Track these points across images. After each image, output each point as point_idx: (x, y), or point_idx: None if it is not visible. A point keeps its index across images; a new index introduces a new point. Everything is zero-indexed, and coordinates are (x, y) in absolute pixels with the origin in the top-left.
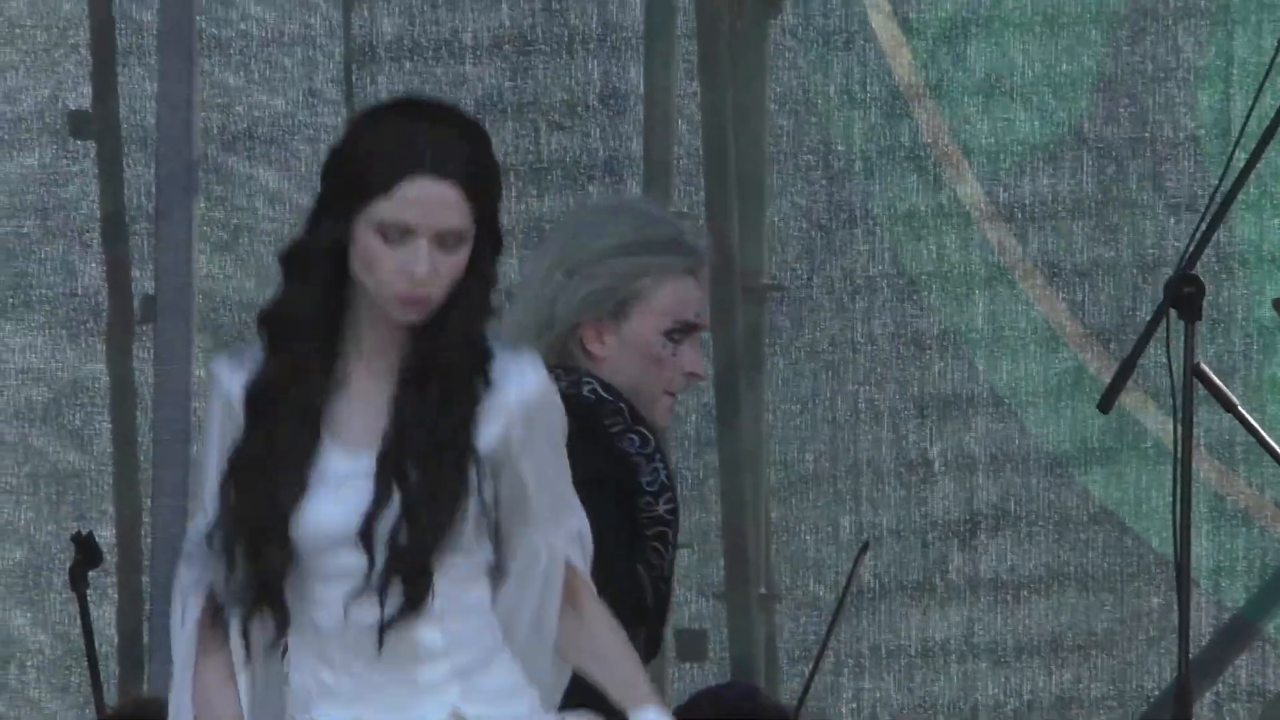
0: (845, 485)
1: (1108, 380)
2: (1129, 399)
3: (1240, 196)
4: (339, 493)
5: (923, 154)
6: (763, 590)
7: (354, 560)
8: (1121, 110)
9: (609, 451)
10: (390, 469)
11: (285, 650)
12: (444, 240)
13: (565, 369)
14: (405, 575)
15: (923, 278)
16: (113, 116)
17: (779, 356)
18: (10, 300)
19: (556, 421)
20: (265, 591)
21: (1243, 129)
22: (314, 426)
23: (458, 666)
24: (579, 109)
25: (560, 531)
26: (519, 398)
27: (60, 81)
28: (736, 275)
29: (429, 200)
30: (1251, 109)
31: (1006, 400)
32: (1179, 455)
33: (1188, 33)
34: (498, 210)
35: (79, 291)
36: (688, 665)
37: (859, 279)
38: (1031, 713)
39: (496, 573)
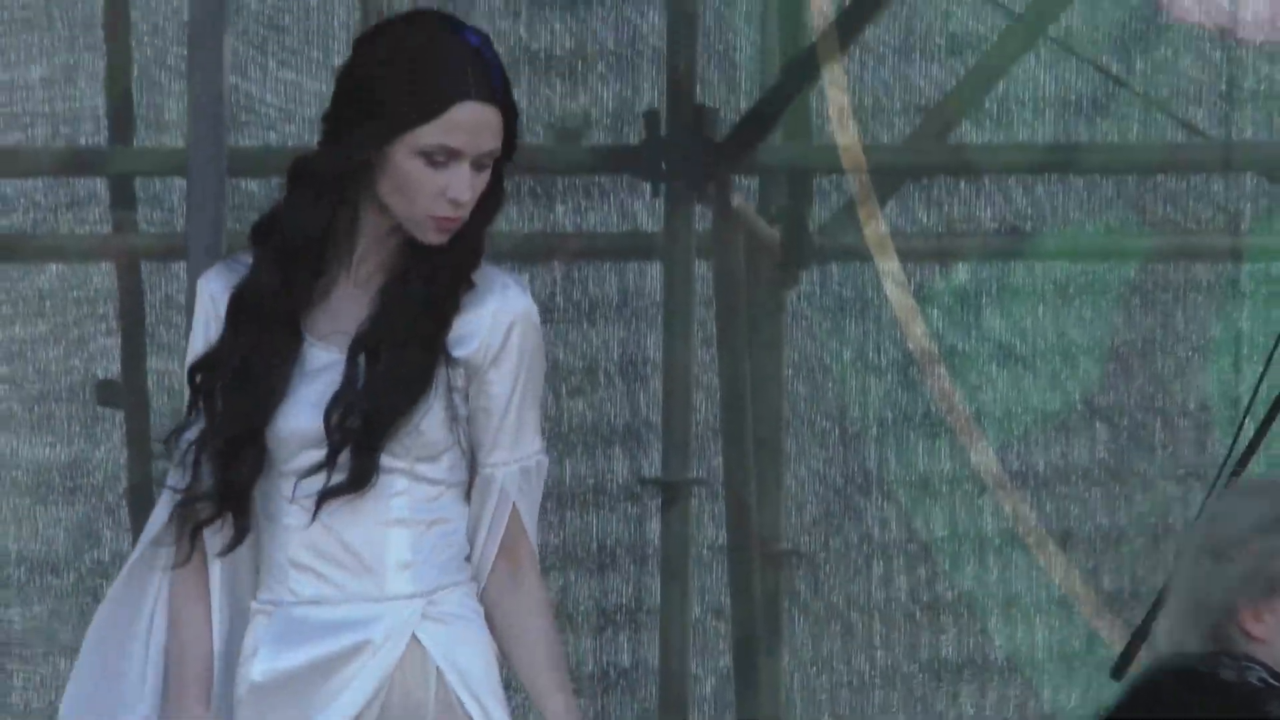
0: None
1: (1120, 647)
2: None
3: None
4: (314, 387)
5: (936, 420)
6: None
7: (321, 457)
8: (1132, 381)
9: None
10: (360, 353)
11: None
12: (482, 162)
13: (1229, 656)
14: (354, 450)
15: (937, 543)
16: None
17: (798, 620)
18: None
19: (532, 344)
20: (230, 496)
21: (1252, 399)
22: (297, 332)
23: (422, 581)
24: (600, 374)
25: (515, 458)
26: (499, 310)
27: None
28: (755, 541)
29: (478, 124)
30: (1261, 379)
31: (1021, 666)
32: None
33: (1197, 305)
34: (515, 131)
35: None
36: None
37: (875, 544)
38: None
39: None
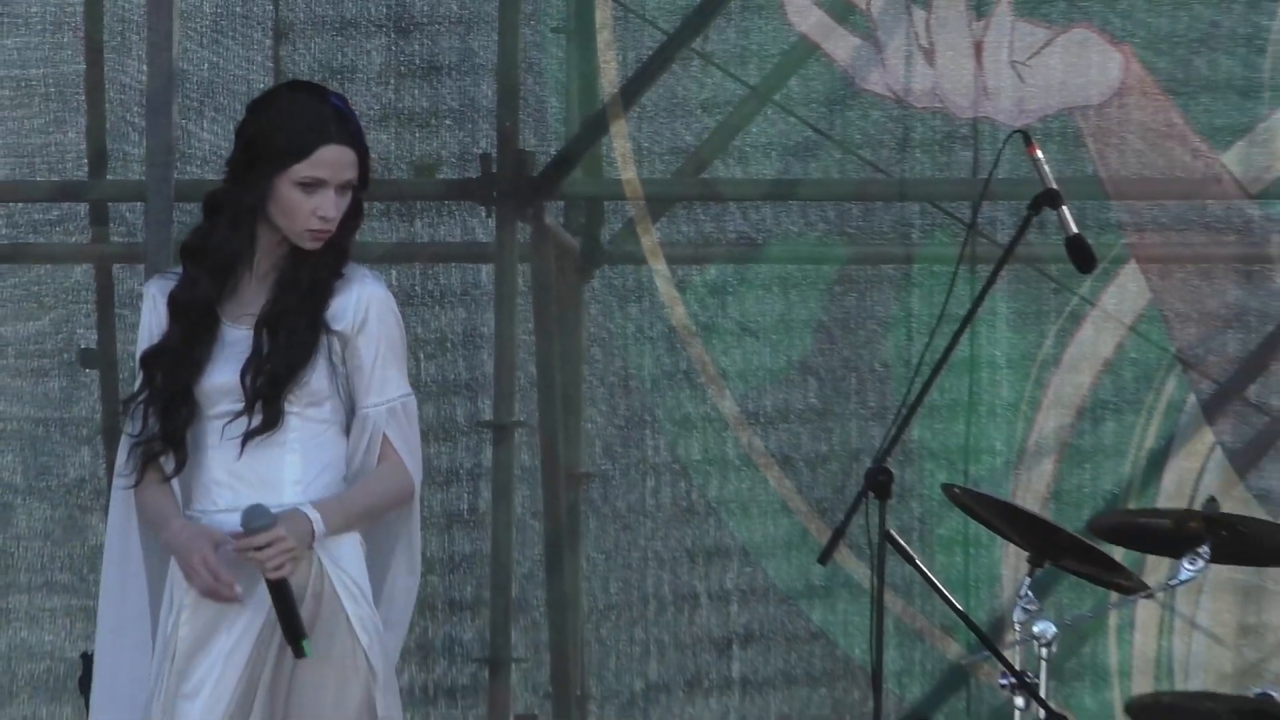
0: (638, 612)
1: (825, 541)
2: (839, 554)
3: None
4: (230, 353)
5: (692, 377)
6: (579, 691)
7: (237, 405)
8: (835, 344)
9: None
10: (263, 329)
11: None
12: (343, 189)
13: None
14: (264, 400)
15: (693, 464)
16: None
17: (594, 521)
18: None
19: (389, 318)
20: (172, 438)
21: (920, 361)
22: (216, 318)
23: (309, 493)
24: (447, 344)
25: (383, 400)
26: (361, 295)
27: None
28: (560, 466)
29: (339, 161)
30: (926, 346)
31: (755, 555)
32: (875, 594)
33: (880, 293)
34: (368, 165)
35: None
36: None
37: (649, 466)
38: None
39: (349, 432)
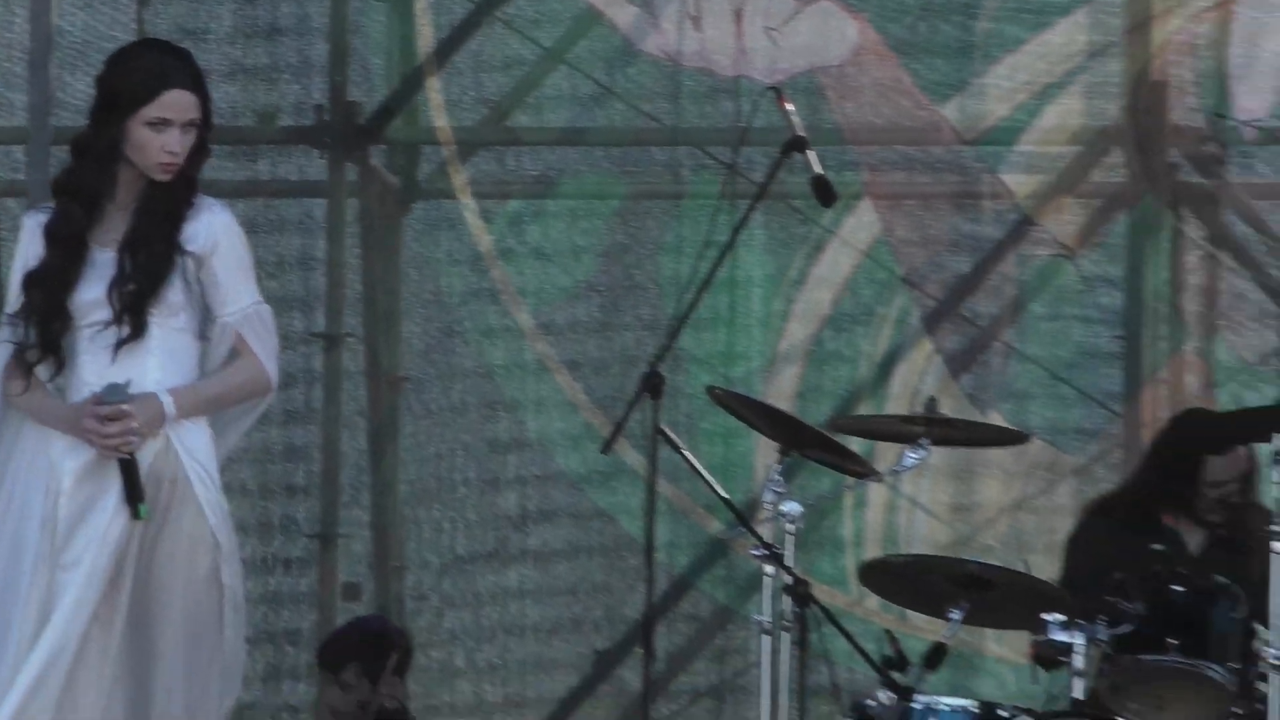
0: (447, 495)
1: (606, 434)
2: (619, 445)
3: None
4: (98, 273)
5: (495, 294)
6: (396, 563)
7: (106, 317)
8: (616, 267)
9: None
10: (126, 251)
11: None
12: (187, 128)
13: None
14: (130, 312)
15: (495, 369)
16: None
17: (410, 417)
18: None
19: (237, 239)
20: (49, 347)
21: (688, 281)
22: (85, 244)
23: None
24: (286, 266)
25: (237, 308)
26: (212, 220)
27: None
28: (382, 370)
29: (181, 103)
30: (693, 268)
31: (548, 446)
32: (649, 479)
33: (650, 215)
34: (210, 108)
35: None
36: (350, 604)
37: (452, 368)
38: (560, 625)
39: (202, 338)
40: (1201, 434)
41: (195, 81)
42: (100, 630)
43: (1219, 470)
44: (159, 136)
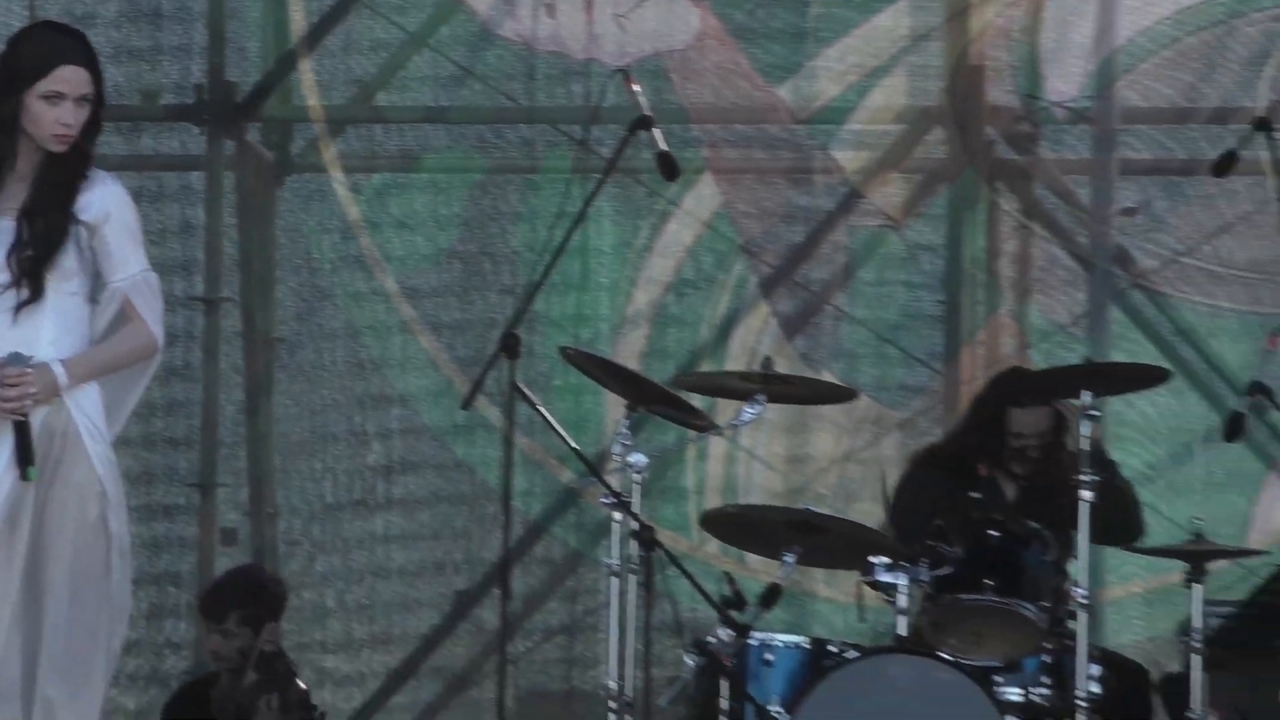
0: (318, 447)
1: (466, 390)
2: (479, 401)
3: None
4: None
5: (359, 259)
6: (271, 510)
7: (5, 280)
8: (475, 236)
9: None
10: (25, 219)
11: None
12: (80, 102)
13: None
14: (28, 277)
15: (363, 330)
16: None
17: (284, 375)
18: None
19: (128, 210)
20: None
21: (542, 249)
22: None
23: (61, 350)
24: (168, 233)
25: (126, 275)
26: (105, 192)
27: None
28: (258, 330)
29: (75, 79)
30: (547, 237)
31: (412, 402)
32: (506, 432)
33: (507, 188)
34: (102, 85)
35: None
36: (227, 549)
37: (323, 330)
38: (423, 568)
39: (92, 302)
40: (1014, 390)
41: (88, 59)
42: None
43: (1022, 424)
44: (53, 109)
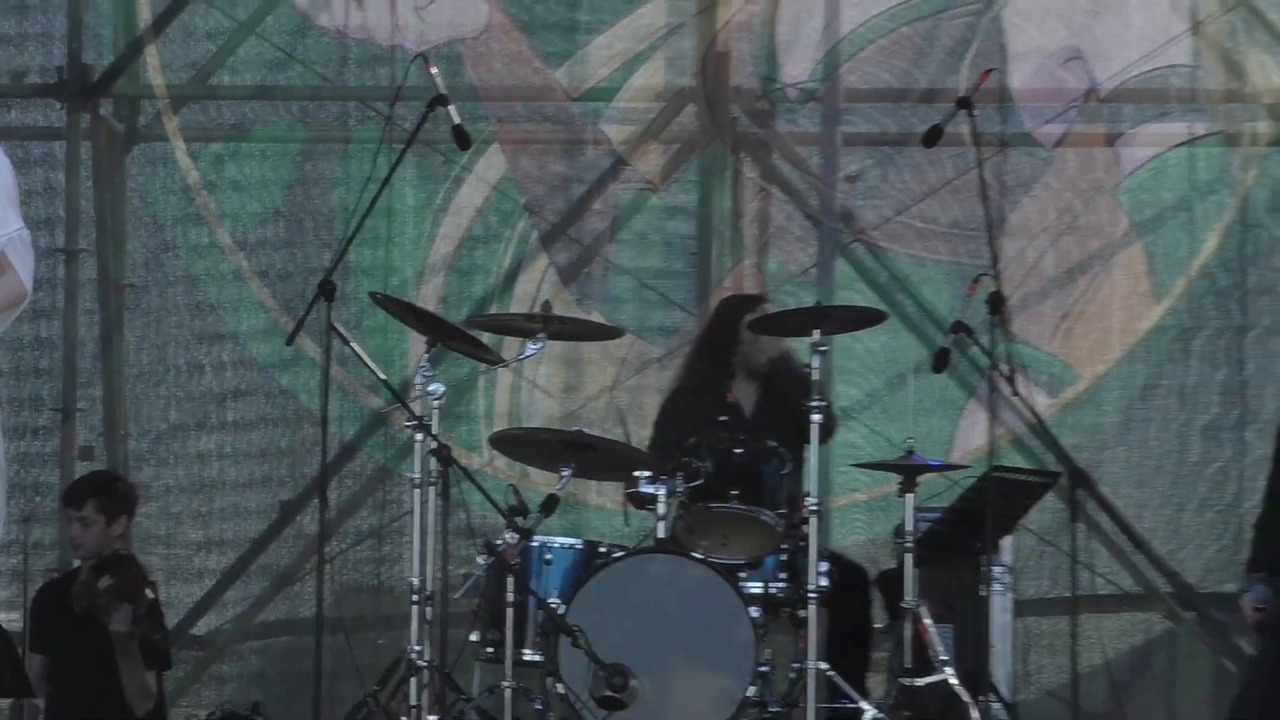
0: (162, 377)
1: (290, 329)
2: (300, 339)
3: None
4: None
5: (200, 217)
6: (123, 431)
7: None
8: (297, 197)
9: None
10: None
11: None
12: None
13: None
14: None
15: (201, 277)
16: None
17: (133, 315)
18: None
19: (7, 175)
20: None
21: (354, 209)
22: None
23: None
24: (35, 198)
25: (4, 233)
26: None
27: None
28: (110, 278)
29: None
30: (359, 198)
31: (243, 338)
32: (323, 365)
33: (324, 156)
34: None
35: None
36: (85, 463)
37: (167, 277)
38: (253, 481)
39: None
40: (740, 314)
41: None
42: None
43: (757, 349)
44: None
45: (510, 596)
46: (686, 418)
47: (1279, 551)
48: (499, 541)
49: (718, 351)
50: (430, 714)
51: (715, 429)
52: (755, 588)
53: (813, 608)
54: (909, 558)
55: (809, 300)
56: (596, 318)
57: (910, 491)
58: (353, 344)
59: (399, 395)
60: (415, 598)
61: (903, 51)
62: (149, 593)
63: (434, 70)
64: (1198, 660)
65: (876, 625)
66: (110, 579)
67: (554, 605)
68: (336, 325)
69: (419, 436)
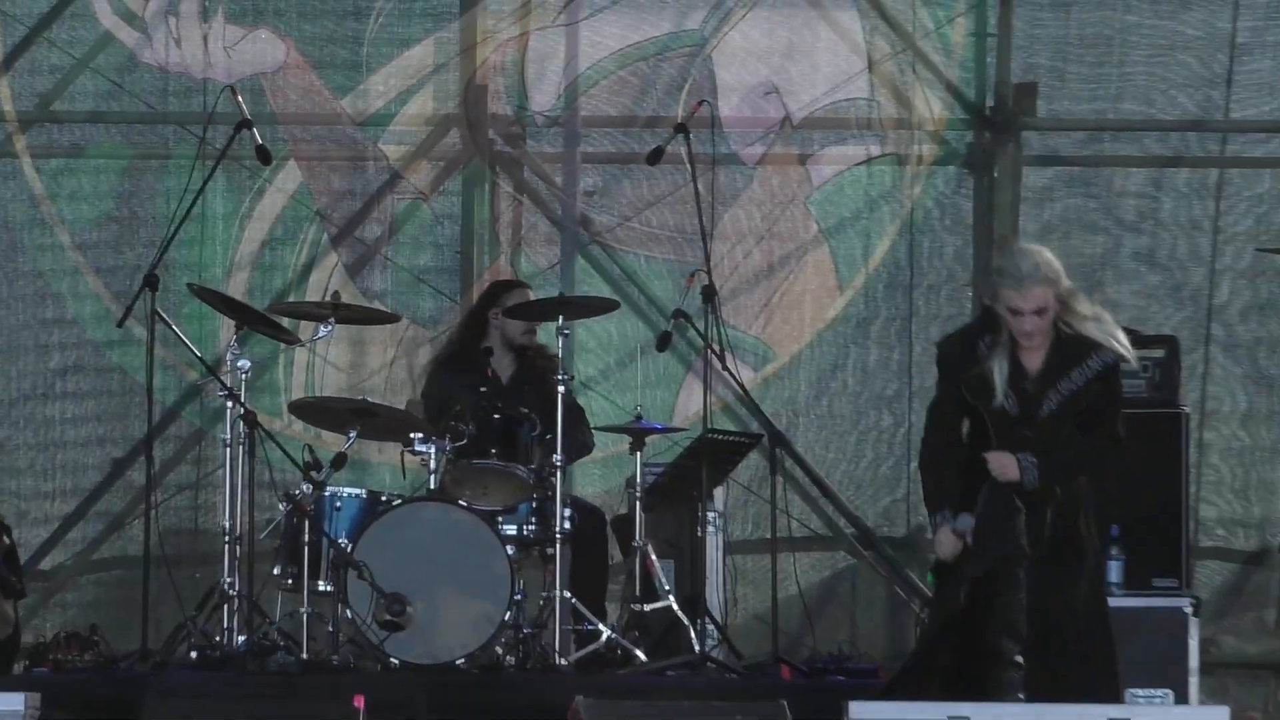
0: (15, 355)
1: (120, 314)
2: (130, 321)
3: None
4: None
5: (45, 221)
6: None
7: None
8: (127, 204)
9: None
10: None
11: None
12: None
13: None
14: None
15: (46, 271)
16: None
17: None
18: None
19: None
20: None
21: (173, 215)
22: None
23: None
24: None
25: None
26: None
27: None
28: None
29: None
30: (178, 206)
31: (81, 323)
32: (149, 344)
33: (149, 171)
34: None
35: None
36: None
37: (17, 270)
38: (89, 441)
39: None
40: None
41: None
42: None
43: (514, 330)
44: None
45: (306, 537)
46: (448, 385)
47: (953, 493)
48: (297, 492)
49: (477, 326)
50: (240, 635)
51: (477, 398)
52: (510, 530)
53: (559, 546)
54: (638, 505)
55: (554, 292)
56: (378, 306)
57: (639, 450)
58: (173, 327)
59: (212, 370)
60: (226, 538)
61: (630, 86)
62: (4, 539)
63: (240, 99)
64: (875, 589)
65: (611, 561)
66: None
67: (343, 544)
68: (160, 311)
69: (229, 404)
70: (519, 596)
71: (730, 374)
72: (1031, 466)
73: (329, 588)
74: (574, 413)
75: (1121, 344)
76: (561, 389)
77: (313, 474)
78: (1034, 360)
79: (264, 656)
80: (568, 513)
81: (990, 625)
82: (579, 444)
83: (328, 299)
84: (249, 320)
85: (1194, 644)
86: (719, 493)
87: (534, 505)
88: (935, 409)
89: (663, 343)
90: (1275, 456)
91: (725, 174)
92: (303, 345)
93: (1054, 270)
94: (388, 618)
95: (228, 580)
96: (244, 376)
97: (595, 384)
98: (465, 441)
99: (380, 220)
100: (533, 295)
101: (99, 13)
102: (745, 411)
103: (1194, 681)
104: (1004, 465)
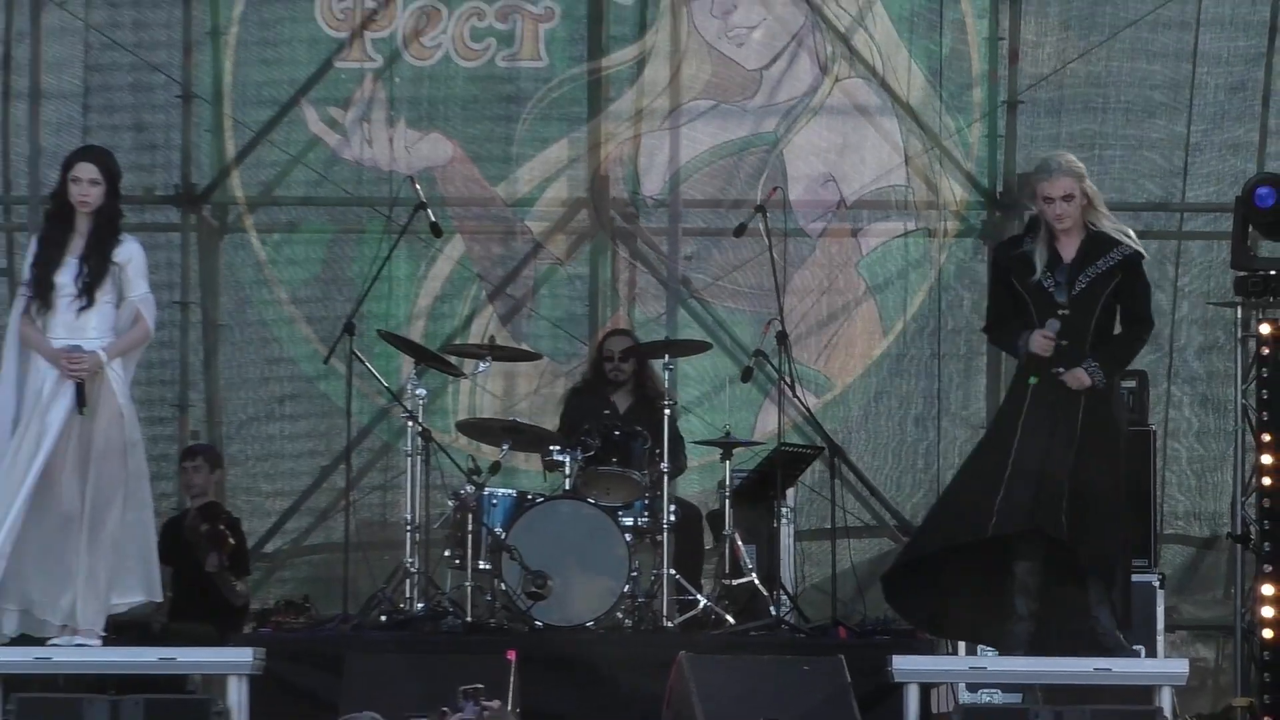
0: (260, 391)
1: (325, 354)
2: (332, 360)
3: None
4: (69, 270)
5: (266, 282)
6: (219, 421)
7: (75, 293)
8: (331, 267)
9: None
10: (85, 260)
11: None
12: (94, 181)
13: None
14: (87, 291)
15: (269, 321)
16: None
17: (224, 345)
18: None
19: (140, 258)
20: (44, 302)
21: (369, 275)
22: (64, 252)
23: (101, 342)
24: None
25: (138, 293)
26: (130, 247)
27: None
28: (210, 321)
29: (83, 169)
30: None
31: (295, 360)
32: (348, 378)
33: (347, 242)
34: (116, 174)
35: None
36: (194, 441)
37: (253, 320)
38: (305, 453)
39: (117, 307)
40: (612, 342)
41: (94, 157)
42: (66, 454)
43: (622, 362)
44: (77, 189)
45: (469, 527)
46: (580, 409)
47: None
48: (462, 492)
49: (598, 364)
50: (419, 603)
51: (601, 419)
52: (628, 521)
53: (666, 534)
54: (727, 502)
55: (662, 336)
56: (524, 347)
57: (728, 459)
58: (367, 364)
59: (397, 397)
60: (408, 528)
61: (720, 175)
62: (231, 540)
63: (417, 186)
64: None
65: (706, 546)
66: (207, 526)
67: (498, 533)
68: (356, 352)
69: (410, 424)
70: (635, 573)
71: (798, 400)
72: (1096, 369)
73: (487, 566)
74: (675, 442)
75: (1134, 240)
76: (667, 412)
77: (474, 478)
78: (1069, 250)
79: (437, 620)
80: (672, 508)
81: (1008, 582)
82: (677, 465)
83: (485, 341)
84: (425, 358)
85: (1161, 611)
86: (790, 492)
87: (646, 502)
88: (990, 308)
89: (745, 375)
90: (1223, 463)
91: (794, 244)
92: (466, 378)
93: (1078, 167)
94: (533, 589)
95: (409, 560)
96: (421, 402)
97: (693, 408)
98: (593, 452)
99: (526, 280)
100: (630, 331)
101: (309, 120)
102: (810, 429)
103: (1161, 640)
104: (1079, 378)
